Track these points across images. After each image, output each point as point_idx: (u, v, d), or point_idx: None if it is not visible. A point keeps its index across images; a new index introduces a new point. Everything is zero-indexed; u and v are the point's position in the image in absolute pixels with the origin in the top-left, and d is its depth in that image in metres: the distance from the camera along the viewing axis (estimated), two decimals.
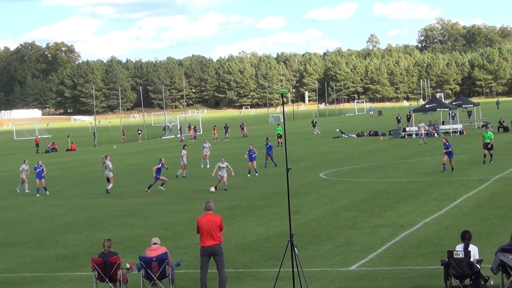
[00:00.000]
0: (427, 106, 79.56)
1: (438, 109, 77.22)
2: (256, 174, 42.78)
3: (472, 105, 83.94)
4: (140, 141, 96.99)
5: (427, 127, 68.12)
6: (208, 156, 50.61)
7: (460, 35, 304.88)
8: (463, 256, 15.44)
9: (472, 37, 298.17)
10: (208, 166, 48.26)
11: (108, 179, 38.56)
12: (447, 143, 38.54)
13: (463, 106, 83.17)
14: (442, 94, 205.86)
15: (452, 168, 38.33)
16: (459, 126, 72.20)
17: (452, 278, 15.66)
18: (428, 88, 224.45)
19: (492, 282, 15.70)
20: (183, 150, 44.74)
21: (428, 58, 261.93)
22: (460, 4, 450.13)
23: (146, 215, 30.12)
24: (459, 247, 15.70)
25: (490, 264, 15.70)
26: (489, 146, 41.18)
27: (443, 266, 15.79)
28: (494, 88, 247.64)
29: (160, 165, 37.89)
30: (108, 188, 38.18)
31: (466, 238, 15.75)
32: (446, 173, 37.75)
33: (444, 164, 38.47)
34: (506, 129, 69.11)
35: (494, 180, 34.03)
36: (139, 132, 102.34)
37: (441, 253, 18.03)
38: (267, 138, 51.13)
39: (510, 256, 15.24)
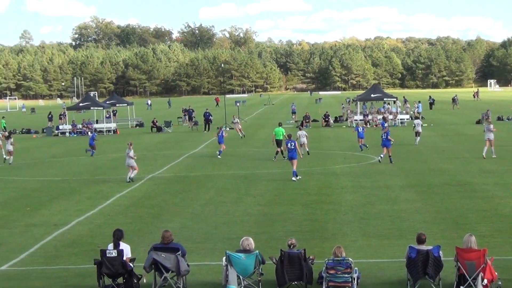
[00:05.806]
0: (80, 104, 78.99)
1: (92, 108, 76.92)
2: None
3: (126, 104, 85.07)
4: None
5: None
6: None
7: (115, 34, 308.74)
8: (115, 255, 15.54)
9: (126, 37, 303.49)
10: None
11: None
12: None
13: (117, 105, 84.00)
14: (96, 92, 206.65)
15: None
16: (113, 125, 73.02)
17: (105, 277, 15.71)
18: (82, 86, 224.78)
19: (145, 281, 16.02)
20: None
21: (82, 56, 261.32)
22: (114, 3, 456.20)
23: None
24: (111, 246, 15.78)
25: (143, 263, 15.96)
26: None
27: (96, 265, 15.76)
28: (148, 88, 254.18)
29: None
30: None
31: (115, 237, 15.85)
32: (100, 172, 37.95)
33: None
34: (159, 129, 70.68)
35: (147, 179, 34.73)
36: None
37: (94, 252, 18.06)
38: None
39: (162, 255, 15.61)
